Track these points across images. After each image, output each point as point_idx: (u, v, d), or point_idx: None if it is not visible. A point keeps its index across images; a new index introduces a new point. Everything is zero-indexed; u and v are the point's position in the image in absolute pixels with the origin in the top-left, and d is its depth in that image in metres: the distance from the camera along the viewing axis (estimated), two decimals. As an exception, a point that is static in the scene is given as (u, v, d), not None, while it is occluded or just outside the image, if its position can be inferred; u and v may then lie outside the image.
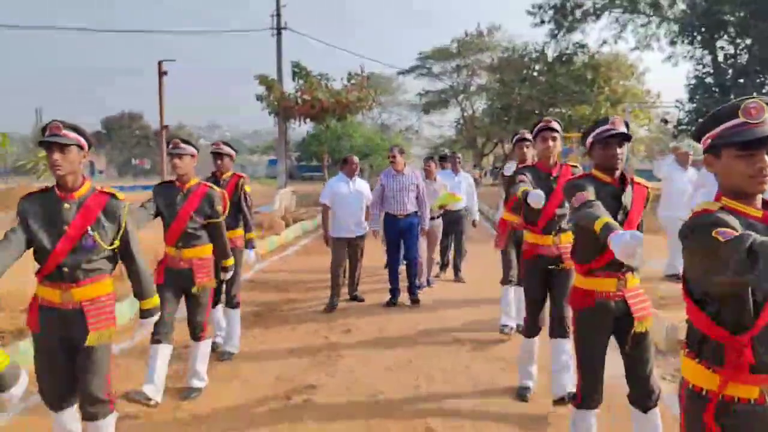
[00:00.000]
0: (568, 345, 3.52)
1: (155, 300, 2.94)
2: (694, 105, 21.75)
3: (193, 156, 3.67)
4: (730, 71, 20.30)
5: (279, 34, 20.45)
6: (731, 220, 1.49)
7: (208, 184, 3.79)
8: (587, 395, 2.67)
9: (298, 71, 17.77)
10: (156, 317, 2.98)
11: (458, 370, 4.28)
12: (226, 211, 3.90)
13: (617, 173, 2.58)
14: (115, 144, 59.42)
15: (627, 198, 2.57)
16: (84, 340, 2.55)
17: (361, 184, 6.25)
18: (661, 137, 37.70)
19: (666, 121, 26.65)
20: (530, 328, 3.74)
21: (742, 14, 18.68)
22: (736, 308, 1.53)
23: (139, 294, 2.88)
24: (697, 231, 1.50)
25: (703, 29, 21.07)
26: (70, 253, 2.54)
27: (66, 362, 2.61)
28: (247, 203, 4.76)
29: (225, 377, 4.18)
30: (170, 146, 3.65)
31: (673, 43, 24.03)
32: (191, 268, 3.66)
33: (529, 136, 4.76)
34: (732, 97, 19.94)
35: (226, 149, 4.72)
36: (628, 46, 45.25)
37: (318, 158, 32.92)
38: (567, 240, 3.52)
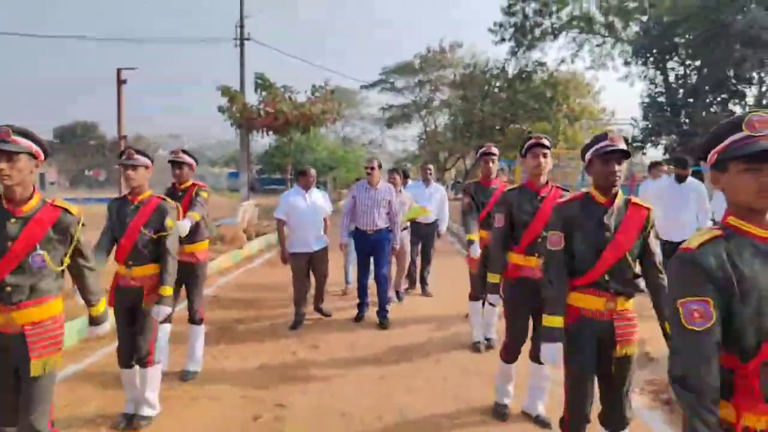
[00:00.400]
0: (547, 370, 3.52)
1: (103, 304, 2.88)
2: (648, 123, 22.59)
3: (147, 167, 3.45)
4: (681, 91, 21.18)
5: (242, 45, 20.29)
6: (713, 259, 1.48)
7: (162, 196, 3.56)
8: (575, 419, 2.56)
9: (262, 83, 17.60)
10: (106, 325, 2.91)
11: (433, 385, 4.22)
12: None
13: (614, 191, 2.49)
14: (69, 155, 57.42)
15: (612, 218, 2.47)
16: (26, 369, 2.34)
17: (318, 196, 5.96)
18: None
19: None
20: (510, 354, 3.58)
21: (692, 37, 19.56)
22: (734, 337, 1.49)
23: (88, 300, 2.83)
24: (671, 275, 1.57)
25: (654, 51, 21.97)
26: (13, 273, 2.33)
27: (12, 389, 2.41)
28: (199, 200, 4.34)
29: (190, 396, 3.99)
30: (123, 157, 3.42)
31: (627, 63, 24.96)
32: (142, 287, 3.42)
33: (494, 150, 4.83)
34: (682, 116, 20.83)
35: (186, 158, 4.44)
36: (584, 65, 46.83)
37: (281, 170, 32.64)
38: None
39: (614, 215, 2.47)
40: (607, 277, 2.46)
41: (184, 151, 4.52)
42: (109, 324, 2.99)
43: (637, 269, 2.54)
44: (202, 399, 3.95)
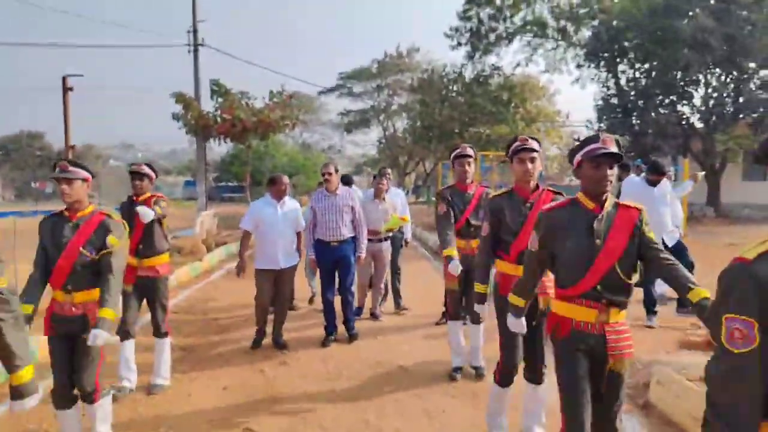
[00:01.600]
0: (541, 392, 3.25)
1: (29, 371, 2.27)
2: (601, 125, 23.17)
3: (85, 180, 3.08)
4: (632, 93, 21.80)
5: (196, 50, 19.78)
6: (754, 280, 1.34)
7: (106, 211, 3.17)
8: None
9: (217, 89, 17.19)
10: (33, 399, 2.34)
11: (408, 401, 4.08)
12: (127, 239, 3.22)
13: (604, 197, 2.35)
14: (14, 166, 54.96)
15: (601, 224, 2.33)
16: None
17: (292, 207, 5.44)
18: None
19: (578, 140, 28.18)
20: (505, 375, 3.26)
21: (641, 42, 20.16)
22: None
23: (9, 364, 2.23)
24: (719, 286, 1.43)
25: (605, 54, 22.57)
26: None
27: None
28: (161, 203, 4.35)
29: (149, 423, 3.73)
30: (57, 170, 3.04)
31: (579, 66, 25.55)
32: (85, 314, 3.01)
33: (470, 151, 4.38)
34: (634, 117, 21.44)
35: (146, 170, 4.41)
36: (539, 69, 47.86)
37: (238, 178, 32.01)
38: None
39: (604, 221, 2.34)
40: (599, 288, 2.32)
41: (146, 164, 4.49)
42: (39, 395, 2.38)
43: (633, 279, 2.36)
44: (163, 426, 3.70)
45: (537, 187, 3.25)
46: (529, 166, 3.16)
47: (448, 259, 4.15)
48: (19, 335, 2.22)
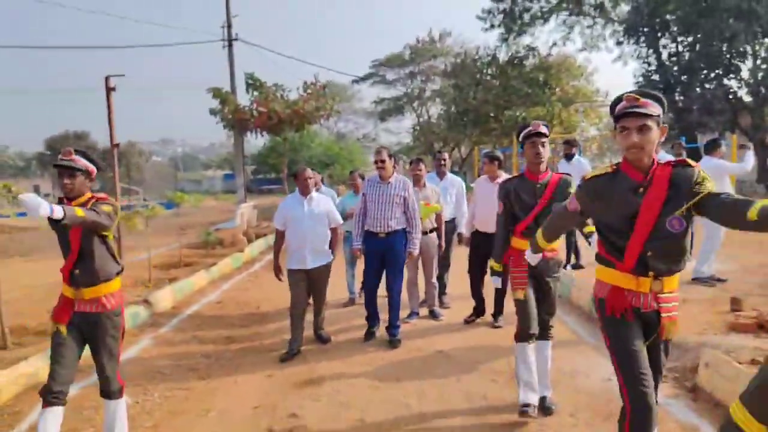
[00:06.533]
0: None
1: None
2: (643, 102, 22.39)
3: None
4: (675, 69, 21.01)
5: (230, 45, 20.06)
6: None
7: None
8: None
9: (252, 82, 17.42)
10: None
11: (449, 385, 4.10)
12: None
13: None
14: (61, 165, 57.00)
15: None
16: None
17: (321, 202, 5.07)
18: (609, 135, 38.89)
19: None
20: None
21: (683, 13, 19.37)
22: None
23: None
24: None
25: (646, 29, 21.80)
26: None
27: None
28: (99, 209, 2.89)
29: (198, 410, 3.86)
30: None
31: (619, 43, 24.79)
32: None
33: (544, 129, 3.46)
34: (677, 93, 20.69)
35: (80, 162, 3.00)
36: (576, 47, 46.60)
37: (276, 170, 32.45)
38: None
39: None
40: None
41: (78, 150, 3.04)
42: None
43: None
44: (212, 411, 3.83)
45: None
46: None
47: (491, 273, 3.87)
48: None
